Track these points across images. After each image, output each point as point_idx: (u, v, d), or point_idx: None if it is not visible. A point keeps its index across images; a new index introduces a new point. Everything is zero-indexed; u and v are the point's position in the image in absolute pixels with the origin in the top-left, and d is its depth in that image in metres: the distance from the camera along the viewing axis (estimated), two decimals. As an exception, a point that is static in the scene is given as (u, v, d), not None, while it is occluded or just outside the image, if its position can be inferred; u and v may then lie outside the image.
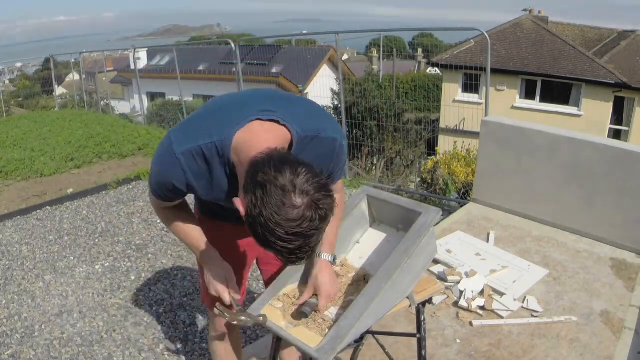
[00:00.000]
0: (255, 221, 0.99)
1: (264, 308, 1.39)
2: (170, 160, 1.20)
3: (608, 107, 13.61)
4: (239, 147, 1.14)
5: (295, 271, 1.48)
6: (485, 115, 4.25)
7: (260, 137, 1.13)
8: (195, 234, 1.42)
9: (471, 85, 10.16)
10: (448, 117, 9.73)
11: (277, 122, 1.17)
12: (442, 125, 9.94)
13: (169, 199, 1.34)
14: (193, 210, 1.60)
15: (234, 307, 1.37)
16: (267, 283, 1.75)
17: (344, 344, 1.23)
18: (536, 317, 2.43)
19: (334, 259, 1.44)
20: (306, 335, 1.29)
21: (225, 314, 1.32)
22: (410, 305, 1.51)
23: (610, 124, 13.81)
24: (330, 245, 1.45)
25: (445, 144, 8.61)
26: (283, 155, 1.03)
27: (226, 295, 1.35)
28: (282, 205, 0.96)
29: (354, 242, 1.63)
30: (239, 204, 1.05)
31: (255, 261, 1.74)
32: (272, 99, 1.26)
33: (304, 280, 1.47)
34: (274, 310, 1.40)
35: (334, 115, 10.58)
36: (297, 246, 1.00)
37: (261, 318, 1.32)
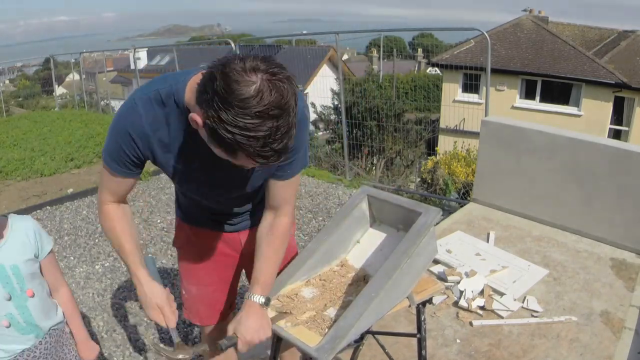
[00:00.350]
0: (215, 123, 0.91)
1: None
2: (128, 106, 1.16)
3: (608, 107, 13.61)
4: (193, 87, 1.05)
5: (294, 271, 1.48)
6: (485, 115, 4.25)
7: None
8: (132, 251, 1.32)
9: (471, 85, 10.16)
10: (448, 117, 9.73)
11: None
12: (442, 125, 9.95)
13: (122, 168, 1.23)
14: (175, 221, 1.57)
15: (173, 339, 1.31)
16: None
17: (343, 344, 1.23)
18: (536, 317, 2.43)
19: (267, 301, 1.31)
20: (306, 335, 1.29)
21: (162, 353, 1.28)
22: (409, 305, 1.50)
23: (610, 124, 13.81)
24: (264, 285, 1.31)
25: (445, 144, 8.61)
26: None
27: (161, 322, 1.30)
28: (236, 87, 0.88)
29: (354, 241, 1.63)
30: (195, 117, 0.98)
31: (244, 273, 1.70)
32: None
33: (309, 274, 1.47)
34: (273, 309, 1.40)
35: (334, 115, 10.60)
36: (269, 132, 0.91)
37: (203, 348, 1.31)
